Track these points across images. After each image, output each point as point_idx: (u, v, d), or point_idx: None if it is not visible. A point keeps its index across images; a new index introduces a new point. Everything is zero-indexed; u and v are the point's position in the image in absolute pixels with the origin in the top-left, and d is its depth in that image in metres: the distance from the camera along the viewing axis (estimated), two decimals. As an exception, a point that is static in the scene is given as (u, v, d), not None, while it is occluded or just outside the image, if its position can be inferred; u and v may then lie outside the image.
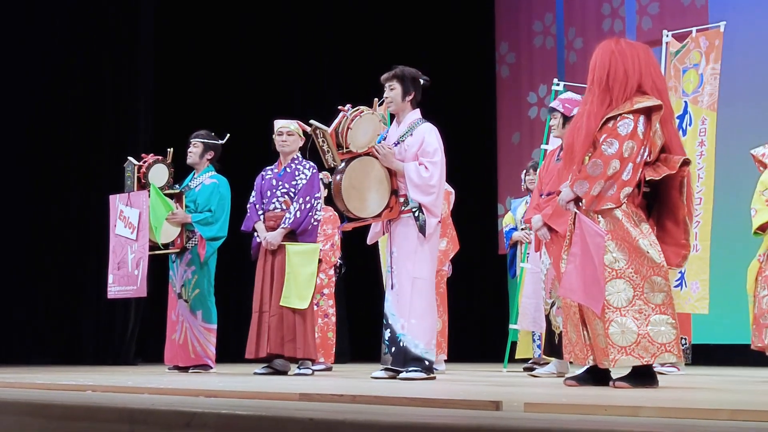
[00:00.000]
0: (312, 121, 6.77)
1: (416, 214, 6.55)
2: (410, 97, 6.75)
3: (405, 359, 6.48)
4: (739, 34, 10.89)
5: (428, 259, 6.60)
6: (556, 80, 9.69)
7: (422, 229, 6.52)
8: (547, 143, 8.94)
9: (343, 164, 6.70)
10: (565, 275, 5.39)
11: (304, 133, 7.81)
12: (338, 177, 6.67)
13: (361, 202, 6.67)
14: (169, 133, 9.70)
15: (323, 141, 6.69)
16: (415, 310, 6.51)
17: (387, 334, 6.60)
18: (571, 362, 6.08)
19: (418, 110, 6.80)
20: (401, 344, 6.50)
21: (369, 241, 7.15)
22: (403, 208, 6.64)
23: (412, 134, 6.70)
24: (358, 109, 6.78)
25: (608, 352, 5.21)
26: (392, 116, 7.04)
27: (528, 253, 9.11)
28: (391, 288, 6.64)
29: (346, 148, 6.70)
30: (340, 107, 6.81)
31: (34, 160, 11.26)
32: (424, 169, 6.56)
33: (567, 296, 5.40)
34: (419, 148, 6.63)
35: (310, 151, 7.35)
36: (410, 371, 6.42)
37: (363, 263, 11.35)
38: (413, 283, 6.53)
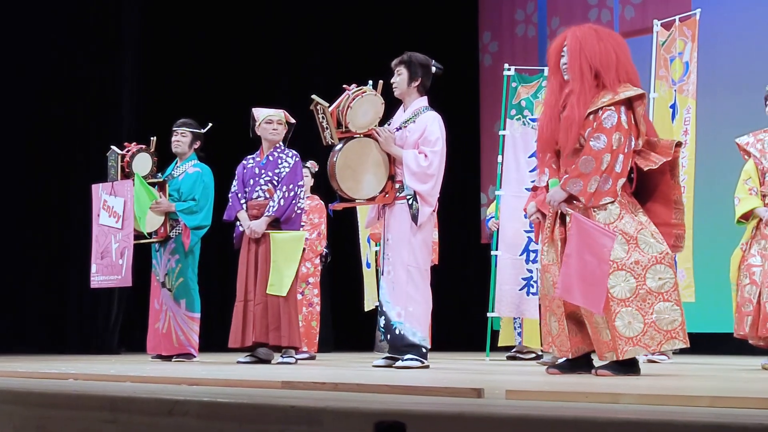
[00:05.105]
0: (313, 96, 6.71)
1: (410, 202, 6.53)
2: (416, 84, 6.71)
3: (402, 346, 6.47)
4: (722, 23, 10.91)
5: (422, 247, 6.58)
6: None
7: (414, 218, 6.51)
8: None
9: (340, 144, 6.67)
10: (561, 277, 5.35)
11: (287, 122, 7.80)
12: (335, 157, 6.64)
13: (356, 183, 6.65)
14: (153, 122, 9.68)
15: (323, 117, 6.64)
16: (412, 297, 6.51)
17: (382, 321, 6.61)
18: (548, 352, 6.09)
19: (425, 98, 6.77)
20: (397, 331, 6.49)
21: (366, 226, 7.13)
22: (398, 194, 6.62)
23: (415, 121, 6.67)
24: (360, 89, 6.74)
25: (616, 344, 5.21)
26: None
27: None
28: (383, 274, 6.66)
29: (346, 127, 6.67)
30: (344, 86, 6.79)
31: (17, 150, 11.22)
32: (423, 158, 6.53)
33: (565, 298, 5.37)
34: (420, 135, 6.60)
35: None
36: (407, 359, 6.42)
37: (347, 252, 11.36)
38: (408, 272, 6.52)
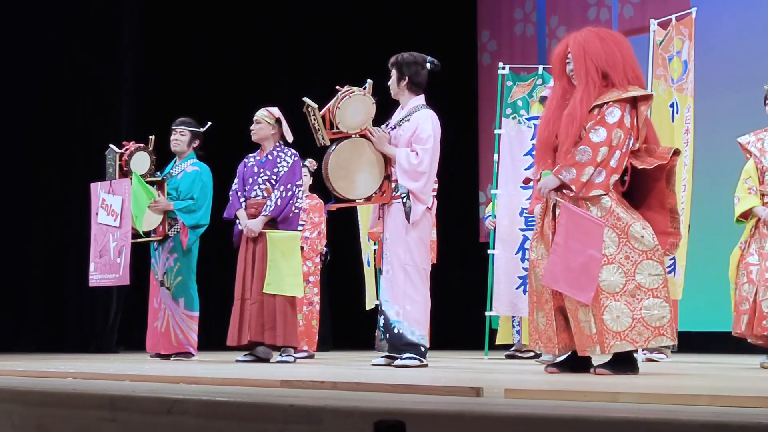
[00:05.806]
0: (304, 99, 6.71)
1: (404, 200, 6.53)
2: (404, 83, 6.71)
3: (400, 345, 6.47)
4: (721, 22, 10.91)
5: (418, 245, 6.56)
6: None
7: (407, 216, 6.51)
8: None
9: (333, 145, 6.66)
10: (548, 265, 5.36)
11: (278, 120, 7.78)
12: (327, 158, 6.63)
13: (349, 183, 6.63)
14: (152, 122, 9.67)
15: (314, 119, 6.64)
16: (410, 296, 6.50)
17: (381, 320, 6.63)
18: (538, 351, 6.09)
19: (421, 96, 6.76)
20: (395, 330, 6.48)
21: (370, 228, 7.10)
22: (394, 193, 6.62)
23: (409, 119, 6.66)
24: (349, 89, 6.73)
25: (603, 338, 5.21)
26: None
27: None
28: (382, 274, 6.68)
29: (336, 127, 6.66)
30: (337, 87, 6.79)
31: (17, 149, 11.21)
32: (414, 155, 6.52)
33: (550, 286, 5.38)
34: (413, 134, 6.59)
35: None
36: (406, 358, 6.41)
37: (347, 251, 11.36)
38: (405, 270, 6.52)
